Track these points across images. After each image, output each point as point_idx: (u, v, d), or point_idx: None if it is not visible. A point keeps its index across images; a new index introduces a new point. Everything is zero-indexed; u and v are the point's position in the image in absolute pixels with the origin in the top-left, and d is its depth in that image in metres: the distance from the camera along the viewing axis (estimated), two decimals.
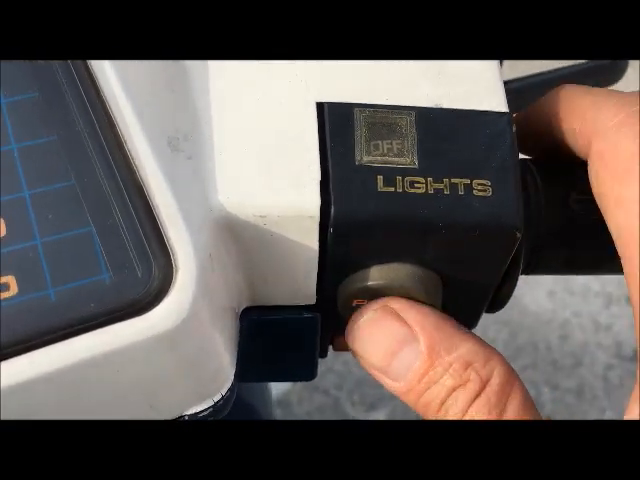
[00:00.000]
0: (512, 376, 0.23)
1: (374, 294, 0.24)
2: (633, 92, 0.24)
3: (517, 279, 0.25)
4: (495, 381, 0.22)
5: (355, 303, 0.24)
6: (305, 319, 0.25)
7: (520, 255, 0.24)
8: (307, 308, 0.25)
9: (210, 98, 0.23)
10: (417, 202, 0.22)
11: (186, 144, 0.22)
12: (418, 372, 0.23)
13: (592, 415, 1.05)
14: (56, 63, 0.21)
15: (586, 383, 1.06)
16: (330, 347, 0.29)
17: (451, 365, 0.22)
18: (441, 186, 0.22)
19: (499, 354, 0.23)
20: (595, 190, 0.23)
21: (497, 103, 0.23)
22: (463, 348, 0.23)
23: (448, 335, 0.23)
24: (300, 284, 0.24)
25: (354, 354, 0.24)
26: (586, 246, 0.26)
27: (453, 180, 0.22)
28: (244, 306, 0.24)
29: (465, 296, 0.24)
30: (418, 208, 0.22)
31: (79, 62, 0.22)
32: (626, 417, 0.21)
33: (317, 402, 1.03)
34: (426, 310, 0.23)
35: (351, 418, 1.01)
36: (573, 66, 0.38)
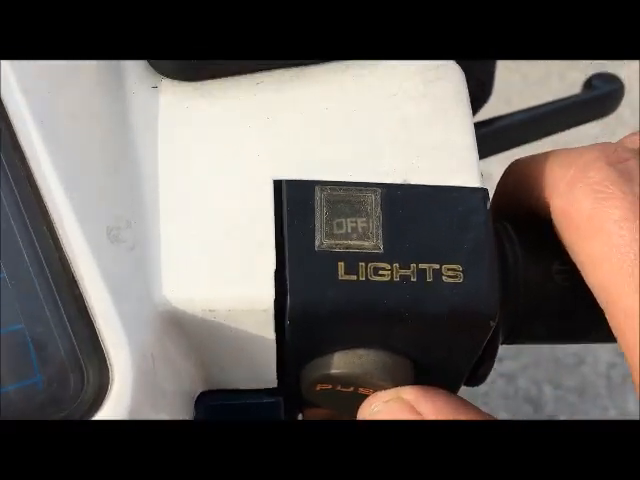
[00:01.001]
0: None
1: (338, 381, 0.22)
2: (579, 146, 0.22)
3: (494, 360, 0.23)
4: None
5: (320, 388, 0.23)
6: (266, 404, 0.23)
7: (497, 336, 0.23)
8: (269, 391, 0.23)
9: (158, 177, 0.21)
10: (381, 291, 0.20)
11: (128, 233, 0.20)
12: None
13: (594, 414, 1.04)
14: None
15: (589, 382, 1.05)
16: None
17: None
18: (408, 272, 0.20)
19: None
20: (568, 247, 0.22)
21: (471, 177, 0.21)
22: None
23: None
24: (259, 370, 0.22)
25: None
26: (571, 318, 0.24)
27: (421, 265, 0.20)
28: (200, 391, 0.23)
29: (438, 378, 0.23)
30: (382, 298, 0.20)
31: (7, 137, 0.20)
32: None
33: None
34: (441, 398, 0.21)
35: None
36: (566, 98, 0.36)
